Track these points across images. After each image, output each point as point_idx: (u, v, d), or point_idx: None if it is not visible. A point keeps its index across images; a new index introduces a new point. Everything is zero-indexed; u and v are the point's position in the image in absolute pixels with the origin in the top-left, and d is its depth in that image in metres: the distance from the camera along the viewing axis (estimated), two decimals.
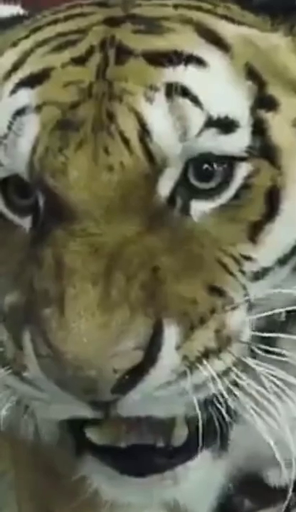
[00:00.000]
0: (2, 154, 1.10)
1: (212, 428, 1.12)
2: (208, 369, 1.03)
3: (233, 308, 1.06)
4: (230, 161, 1.08)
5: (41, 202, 1.09)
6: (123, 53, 1.13)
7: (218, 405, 1.06)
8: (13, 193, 1.13)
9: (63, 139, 1.05)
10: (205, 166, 1.07)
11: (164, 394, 1.02)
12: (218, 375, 1.04)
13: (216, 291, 1.05)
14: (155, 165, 1.05)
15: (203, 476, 1.16)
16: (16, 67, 1.19)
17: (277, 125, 1.11)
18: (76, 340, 0.97)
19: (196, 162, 1.07)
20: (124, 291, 0.98)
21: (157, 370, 1.00)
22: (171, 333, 1.00)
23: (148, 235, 1.03)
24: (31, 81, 1.14)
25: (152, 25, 1.16)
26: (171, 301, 1.01)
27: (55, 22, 1.24)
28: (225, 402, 1.06)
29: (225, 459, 1.19)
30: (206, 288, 1.04)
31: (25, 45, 1.21)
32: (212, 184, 1.08)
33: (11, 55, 1.21)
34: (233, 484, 1.32)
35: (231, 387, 1.06)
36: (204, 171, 1.07)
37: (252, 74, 1.13)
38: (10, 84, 1.16)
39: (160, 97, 1.06)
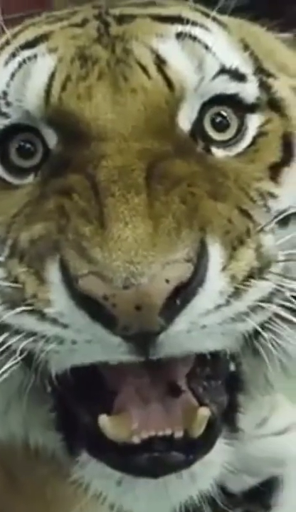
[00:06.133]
0: (2, 105, 1.09)
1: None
2: (256, 290, 0.98)
3: (263, 231, 1.03)
4: (242, 113, 1.11)
5: (53, 141, 1.07)
6: (126, 17, 1.15)
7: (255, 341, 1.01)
8: (15, 153, 1.09)
9: (84, 69, 1.07)
10: (220, 118, 1.10)
11: (211, 322, 0.95)
12: (264, 299, 0.99)
13: (246, 213, 1.03)
14: (174, 91, 1.07)
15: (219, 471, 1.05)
16: (3, 47, 1.16)
17: (278, 86, 1.15)
18: (125, 247, 0.90)
19: (211, 111, 1.10)
20: (166, 202, 0.95)
21: (206, 291, 0.94)
22: (215, 253, 0.96)
23: (176, 158, 1.02)
24: (31, 43, 1.13)
25: (152, 2, 1.20)
26: (212, 217, 0.97)
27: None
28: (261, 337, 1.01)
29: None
30: (237, 209, 1.02)
31: (9, 34, 1.18)
32: (227, 135, 1.10)
33: None
34: None
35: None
36: (219, 123, 1.10)
37: (247, 48, 1.16)
38: (3, 56, 1.14)
39: (171, 39, 1.11)
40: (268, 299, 1.00)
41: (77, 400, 1.06)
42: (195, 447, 1.02)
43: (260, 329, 1.00)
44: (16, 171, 1.09)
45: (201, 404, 1.03)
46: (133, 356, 0.95)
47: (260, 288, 0.99)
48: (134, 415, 1.01)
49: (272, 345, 1.02)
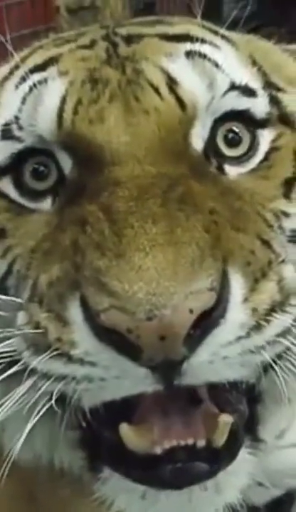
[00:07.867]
0: (15, 129, 1.10)
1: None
2: (276, 323, 0.98)
3: (284, 262, 1.03)
4: (253, 128, 1.11)
5: (68, 164, 1.07)
6: (134, 37, 1.16)
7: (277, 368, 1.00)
8: (30, 176, 1.10)
9: (95, 91, 1.07)
10: (232, 134, 1.11)
11: (232, 353, 0.96)
12: (283, 332, 0.99)
13: (267, 244, 1.03)
14: (186, 111, 1.07)
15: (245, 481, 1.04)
16: (12, 71, 1.17)
17: (288, 100, 1.17)
18: (147, 277, 0.90)
19: (223, 127, 1.10)
20: (188, 229, 0.94)
21: (227, 323, 0.94)
22: (236, 284, 0.96)
23: (192, 180, 1.02)
24: (41, 67, 1.13)
25: (160, 21, 1.22)
26: (235, 248, 0.97)
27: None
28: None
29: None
30: (259, 239, 1.02)
31: (17, 58, 1.18)
32: (240, 151, 1.10)
33: (3, 69, 1.20)
34: None
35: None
36: (231, 139, 1.10)
37: (255, 64, 1.18)
38: (13, 80, 1.14)
39: (181, 58, 1.11)
40: (287, 333, 1.00)
41: (99, 412, 1.05)
42: (218, 457, 1.01)
43: (275, 360, 1.00)
44: (31, 194, 1.10)
45: (222, 411, 1.03)
46: (159, 385, 0.95)
47: (281, 321, 0.99)
48: (156, 425, 1.01)
49: (286, 372, 1.02)
